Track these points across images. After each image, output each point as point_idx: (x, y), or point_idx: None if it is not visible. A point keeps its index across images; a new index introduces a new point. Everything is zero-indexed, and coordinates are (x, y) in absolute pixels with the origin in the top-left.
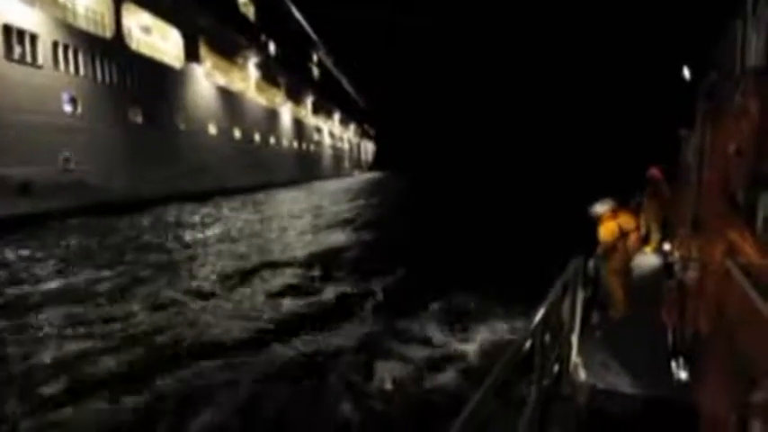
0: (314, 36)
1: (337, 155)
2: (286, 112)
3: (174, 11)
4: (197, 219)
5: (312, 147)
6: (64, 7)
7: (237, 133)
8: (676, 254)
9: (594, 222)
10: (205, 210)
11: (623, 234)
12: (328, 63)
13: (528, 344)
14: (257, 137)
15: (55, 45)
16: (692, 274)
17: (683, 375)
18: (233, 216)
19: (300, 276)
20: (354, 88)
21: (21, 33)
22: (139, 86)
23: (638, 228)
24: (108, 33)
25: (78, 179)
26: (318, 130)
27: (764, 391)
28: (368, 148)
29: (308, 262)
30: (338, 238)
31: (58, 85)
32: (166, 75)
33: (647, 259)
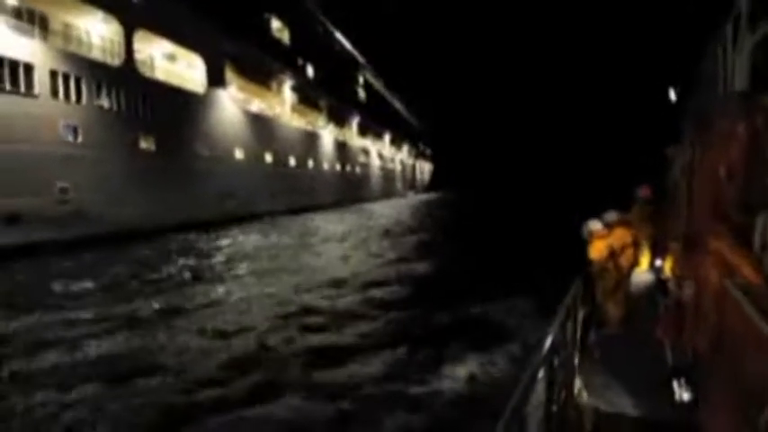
0: (360, 59)
1: (388, 176)
2: (327, 135)
3: (197, 38)
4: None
5: (358, 169)
6: (67, 36)
7: (269, 157)
8: (667, 270)
9: (585, 241)
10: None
11: (612, 254)
12: (378, 85)
13: (541, 373)
14: (292, 160)
15: (53, 74)
16: (688, 293)
17: (686, 396)
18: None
19: None
20: (408, 109)
21: (14, 64)
22: (153, 113)
23: (634, 243)
24: (118, 61)
25: (77, 209)
26: (366, 151)
27: None
28: (424, 168)
29: None
30: None
31: (55, 115)
32: (186, 101)
33: (641, 276)
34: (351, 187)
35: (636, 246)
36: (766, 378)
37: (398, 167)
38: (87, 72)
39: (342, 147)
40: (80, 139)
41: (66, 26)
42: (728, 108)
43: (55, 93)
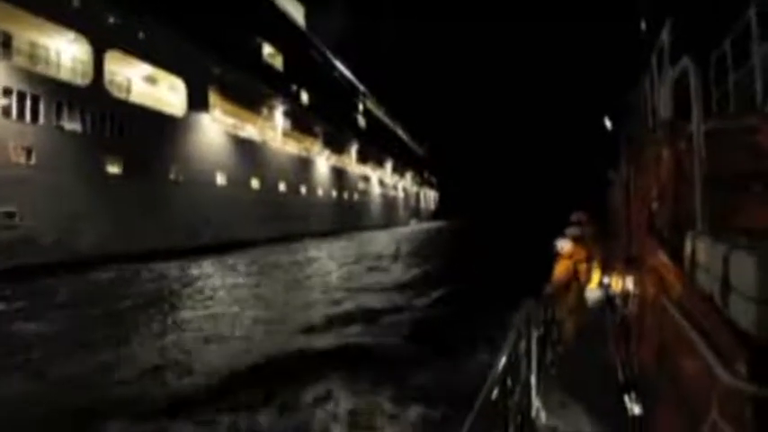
0: (361, 86)
1: (389, 204)
2: (323, 161)
3: (179, 60)
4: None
5: (356, 196)
6: (33, 56)
7: (256, 183)
8: (614, 287)
9: (555, 256)
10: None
11: (575, 271)
12: (379, 113)
13: (495, 393)
14: (282, 186)
15: (6, 93)
16: (632, 309)
17: (637, 410)
18: None
19: None
20: (411, 137)
21: None
22: (122, 136)
23: (587, 260)
24: (85, 81)
25: (24, 235)
26: (365, 178)
27: (709, 427)
28: (429, 196)
29: None
30: None
31: (5, 135)
32: (162, 124)
33: (593, 293)
34: (348, 215)
35: (588, 262)
36: (703, 390)
37: (401, 195)
38: (47, 92)
39: (339, 174)
40: (33, 160)
41: (33, 45)
42: (656, 135)
43: (6, 112)
